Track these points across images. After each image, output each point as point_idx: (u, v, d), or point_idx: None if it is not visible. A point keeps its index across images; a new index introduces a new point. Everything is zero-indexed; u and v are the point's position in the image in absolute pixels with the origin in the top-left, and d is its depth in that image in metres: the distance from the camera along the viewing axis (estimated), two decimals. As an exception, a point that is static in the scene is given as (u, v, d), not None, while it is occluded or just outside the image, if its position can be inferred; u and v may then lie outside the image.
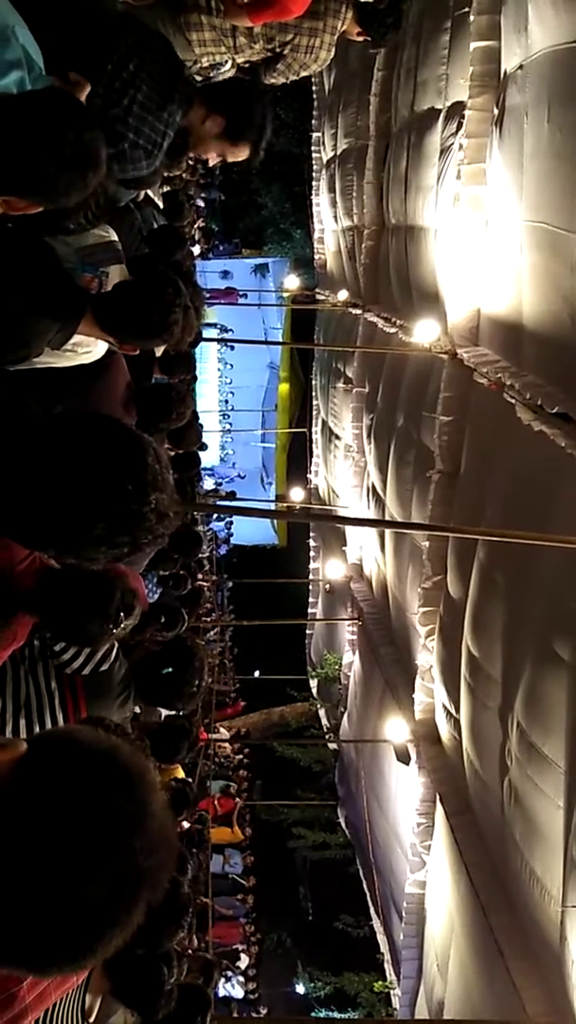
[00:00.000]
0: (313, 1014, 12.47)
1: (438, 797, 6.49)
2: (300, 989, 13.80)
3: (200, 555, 13.12)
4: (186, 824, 7.89)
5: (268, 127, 2.76)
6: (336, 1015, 11.94)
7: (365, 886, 9.77)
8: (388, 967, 8.76)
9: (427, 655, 6.71)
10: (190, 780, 8.76)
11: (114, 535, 1.57)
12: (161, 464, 1.62)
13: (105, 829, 0.99)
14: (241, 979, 13.09)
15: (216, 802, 13.88)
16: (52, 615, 1.88)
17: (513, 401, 4.85)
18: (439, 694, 6.57)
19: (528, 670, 4.59)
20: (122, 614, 1.95)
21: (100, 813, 0.99)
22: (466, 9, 5.55)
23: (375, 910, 9.23)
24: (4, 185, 1.79)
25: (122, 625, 1.95)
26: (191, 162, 7.01)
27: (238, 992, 13.09)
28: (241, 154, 2.79)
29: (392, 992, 8.46)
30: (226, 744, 15.41)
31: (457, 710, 5.97)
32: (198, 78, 3.96)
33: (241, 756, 15.68)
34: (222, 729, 15.40)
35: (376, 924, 9.27)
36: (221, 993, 12.59)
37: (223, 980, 12.72)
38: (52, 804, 0.99)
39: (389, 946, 8.58)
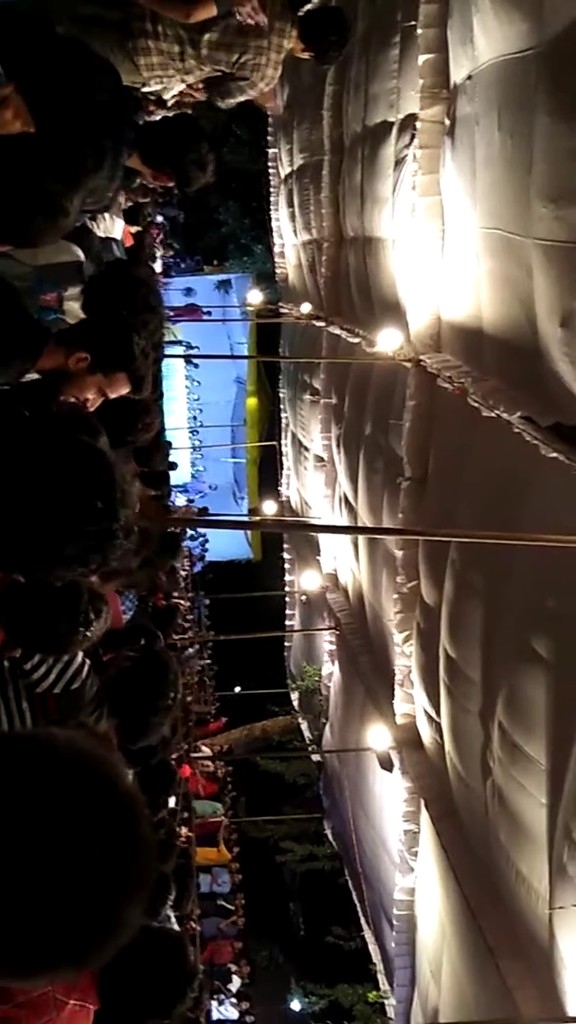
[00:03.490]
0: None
1: (423, 802, 6.50)
2: (295, 1006, 13.69)
3: (176, 573, 13.06)
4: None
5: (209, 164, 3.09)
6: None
7: (354, 897, 9.74)
8: (381, 977, 8.71)
9: (405, 661, 6.74)
10: (175, 809, 8.68)
11: (86, 553, 1.58)
12: (126, 480, 1.63)
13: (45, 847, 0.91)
14: (234, 1000, 12.95)
15: (200, 786, 13.58)
16: (20, 625, 1.87)
17: (478, 405, 4.91)
18: (419, 699, 6.60)
19: (507, 670, 4.63)
20: (91, 616, 1.94)
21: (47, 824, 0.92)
22: (413, 22, 5.64)
23: (366, 920, 9.19)
24: None
25: (92, 628, 1.94)
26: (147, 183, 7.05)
27: (232, 1014, 12.94)
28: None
29: (387, 1002, 8.42)
30: (208, 763, 15.30)
31: (438, 714, 5.99)
32: (151, 98, 4.00)
33: (224, 774, 15.57)
34: (204, 747, 15.29)
35: (367, 934, 9.23)
36: (215, 1016, 12.45)
37: (216, 1003, 12.58)
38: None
39: (381, 955, 8.55)
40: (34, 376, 2.22)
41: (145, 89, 3.84)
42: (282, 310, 13.11)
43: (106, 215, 4.87)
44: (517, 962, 4.74)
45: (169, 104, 4.11)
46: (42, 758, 0.97)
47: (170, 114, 4.11)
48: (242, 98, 3.76)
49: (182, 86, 3.87)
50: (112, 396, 2.36)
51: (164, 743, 3.27)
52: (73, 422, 1.91)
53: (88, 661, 2.23)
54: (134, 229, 7.01)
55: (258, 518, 16.25)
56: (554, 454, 3.87)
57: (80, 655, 2.18)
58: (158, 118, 3.93)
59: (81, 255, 2.85)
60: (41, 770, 0.96)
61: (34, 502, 1.54)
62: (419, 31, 5.46)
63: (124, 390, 2.37)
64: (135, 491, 1.71)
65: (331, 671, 10.78)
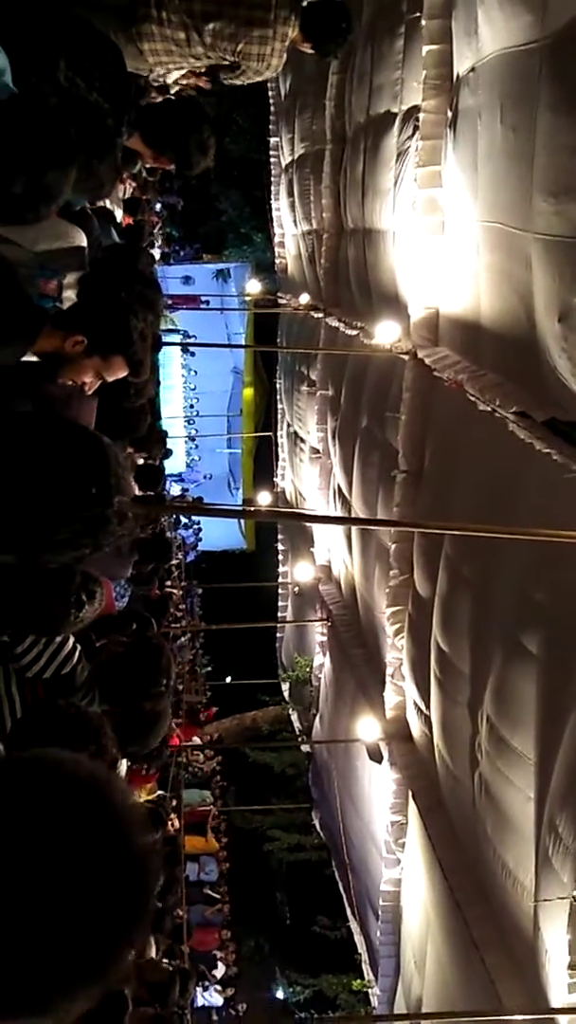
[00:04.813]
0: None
1: (411, 794, 6.53)
2: (280, 994, 13.78)
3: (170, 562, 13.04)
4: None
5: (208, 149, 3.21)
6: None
7: (341, 887, 9.79)
8: (366, 967, 8.77)
9: (396, 653, 6.76)
10: (164, 795, 8.71)
11: (78, 538, 1.57)
12: (120, 465, 1.62)
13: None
14: (219, 987, 13.03)
15: (178, 735, 13.42)
16: (10, 605, 1.86)
17: (474, 399, 4.91)
18: (410, 691, 6.62)
19: (496, 664, 4.64)
20: (83, 598, 1.94)
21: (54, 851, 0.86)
22: (418, 13, 5.62)
23: (351, 911, 9.24)
24: None
25: (84, 610, 1.94)
26: (146, 171, 7.04)
27: (217, 1000, 13.03)
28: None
29: (371, 992, 8.48)
30: (199, 753, 15.34)
31: (428, 706, 6.01)
32: (154, 84, 3.98)
33: (214, 764, 15.62)
34: (194, 737, 15.33)
35: (353, 925, 9.28)
36: (200, 1002, 12.51)
37: (201, 989, 12.66)
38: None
39: (366, 945, 8.60)
40: (32, 359, 2.21)
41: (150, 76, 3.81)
42: (280, 300, 13.07)
43: (106, 201, 4.85)
44: (501, 954, 4.77)
45: (172, 91, 4.09)
46: (44, 782, 0.92)
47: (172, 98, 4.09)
48: (247, 82, 3.75)
49: (185, 69, 3.85)
50: (110, 379, 2.36)
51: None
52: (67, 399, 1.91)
53: (79, 646, 2.23)
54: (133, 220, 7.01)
55: (252, 508, 16.24)
56: (547, 450, 3.87)
57: (71, 639, 2.18)
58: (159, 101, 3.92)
59: (84, 240, 2.82)
60: (42, 795, 0.90)
61: (27, 486, 1.54)
62: (424, 22, 5.43)
63: (122, 373, 2.37)
64: (131, 477, 1.71)
65: (322, 662, 10.81)
